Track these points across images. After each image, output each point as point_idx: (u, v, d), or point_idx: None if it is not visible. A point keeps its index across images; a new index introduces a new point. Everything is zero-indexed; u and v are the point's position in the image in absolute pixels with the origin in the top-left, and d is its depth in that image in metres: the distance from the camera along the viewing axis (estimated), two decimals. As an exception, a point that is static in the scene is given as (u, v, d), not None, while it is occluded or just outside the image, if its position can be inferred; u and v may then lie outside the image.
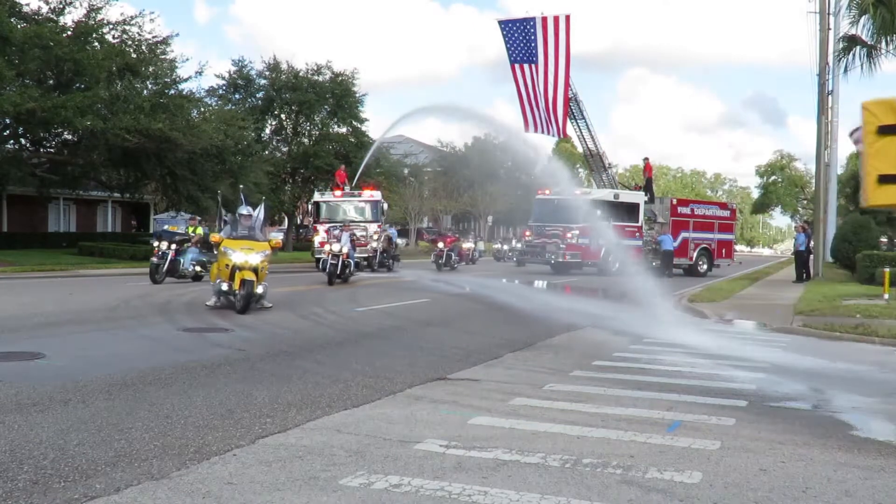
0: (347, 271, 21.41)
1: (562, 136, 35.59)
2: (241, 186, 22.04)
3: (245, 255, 13.12)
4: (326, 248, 21.62)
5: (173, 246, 19.70)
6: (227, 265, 13.14)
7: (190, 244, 20.47)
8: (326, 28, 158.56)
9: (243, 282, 12.90)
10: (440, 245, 31.40)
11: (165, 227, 21.76)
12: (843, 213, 44.04)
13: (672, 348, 10.60)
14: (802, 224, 36.10)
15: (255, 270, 13.12)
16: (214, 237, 13.85)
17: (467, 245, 42.25)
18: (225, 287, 13.26)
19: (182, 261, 19.90)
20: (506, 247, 44.22)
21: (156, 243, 20.11)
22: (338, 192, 30.90)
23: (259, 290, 13.24)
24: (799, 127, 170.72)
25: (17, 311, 12.65)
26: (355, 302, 15.95)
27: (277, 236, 16.13)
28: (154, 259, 19.59)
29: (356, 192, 30.83)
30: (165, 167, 31.43)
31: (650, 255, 30.22)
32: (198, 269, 20.09)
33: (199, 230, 21.51)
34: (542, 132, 32.23)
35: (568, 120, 32.38)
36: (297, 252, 42.58)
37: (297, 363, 8.63)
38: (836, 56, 25.50)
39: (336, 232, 23.22)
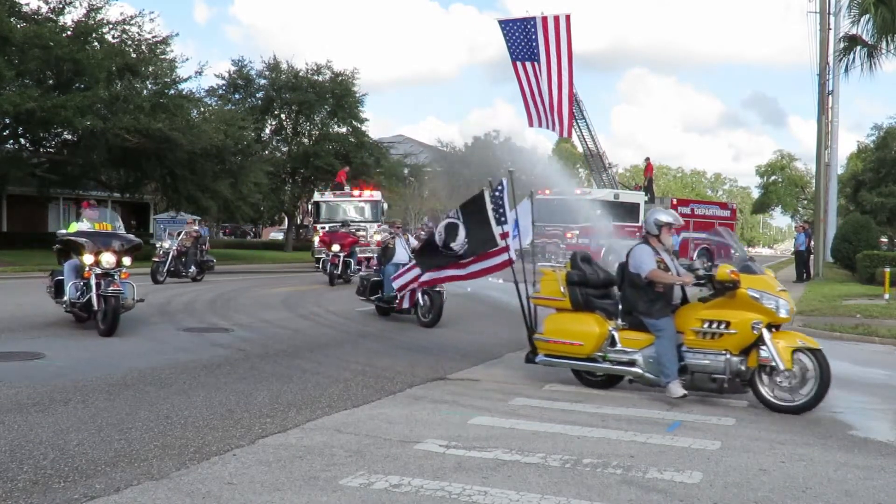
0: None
1: (567, 135, 35.58)
2: (511, 171, 9.83)
3: None
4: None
5: (127, 260, 10.69)
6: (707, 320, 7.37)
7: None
8: (326, 28, 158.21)
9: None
10: (335, 248, 21.21)
11: (84, 224, 11.19)
12: (843, 213, 44.01)
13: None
14: (803, 224, 36.09)
15: None
16: (731, 272, 7.31)
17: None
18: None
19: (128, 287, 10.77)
20: None
21: (90, 258, 10.35)
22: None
23: None
24: (799, 127, 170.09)
25: (17, 312, 12.63)
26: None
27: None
28: (77, 283, 10.56)
29: (356, 192, 30.99)
30: (165, 167, 31.39)
31: None
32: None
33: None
34: (547, 128, 32.21)
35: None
36: (296, 252, 42.58)
37: (297, 363, 8.63)
38: (836, 56, 25.48)
39: None
